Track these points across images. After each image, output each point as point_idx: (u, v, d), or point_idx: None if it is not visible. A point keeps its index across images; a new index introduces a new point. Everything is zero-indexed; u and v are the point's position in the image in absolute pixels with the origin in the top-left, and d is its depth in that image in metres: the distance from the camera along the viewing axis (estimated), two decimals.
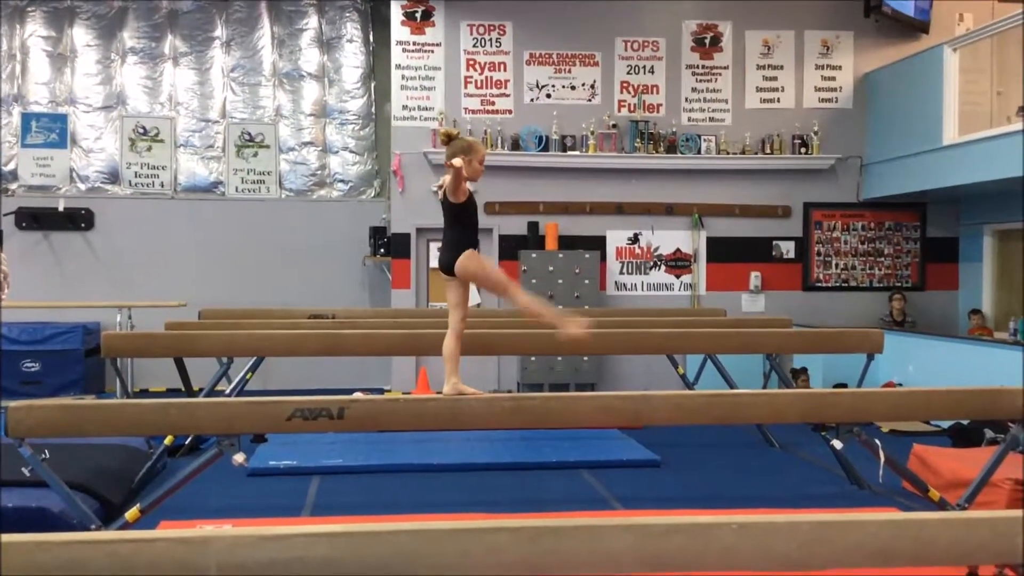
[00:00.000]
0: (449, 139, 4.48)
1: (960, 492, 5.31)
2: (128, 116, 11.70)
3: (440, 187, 4.57)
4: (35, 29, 11.55)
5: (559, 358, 10.45)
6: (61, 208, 11.31)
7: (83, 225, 11.41)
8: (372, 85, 12.06)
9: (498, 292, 4.40)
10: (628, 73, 11.35)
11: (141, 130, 11.69)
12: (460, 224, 4.43)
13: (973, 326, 10.70)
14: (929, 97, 10.22)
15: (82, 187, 11.60)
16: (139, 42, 11.71)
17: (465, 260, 4.34)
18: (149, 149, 11.70)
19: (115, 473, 6.11)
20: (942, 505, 5.23)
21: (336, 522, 2.88)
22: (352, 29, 12.00)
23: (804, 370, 9.85)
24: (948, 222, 11.67)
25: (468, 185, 4.46)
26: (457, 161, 4.26)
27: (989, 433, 7.65)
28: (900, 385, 9.16)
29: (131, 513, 4.62)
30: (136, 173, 11.68)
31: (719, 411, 4.76)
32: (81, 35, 11.64)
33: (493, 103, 11.18)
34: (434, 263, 11.21)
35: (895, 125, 10.95)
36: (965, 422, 7.99)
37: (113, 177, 11.67)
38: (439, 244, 11.10)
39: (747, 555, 2.79)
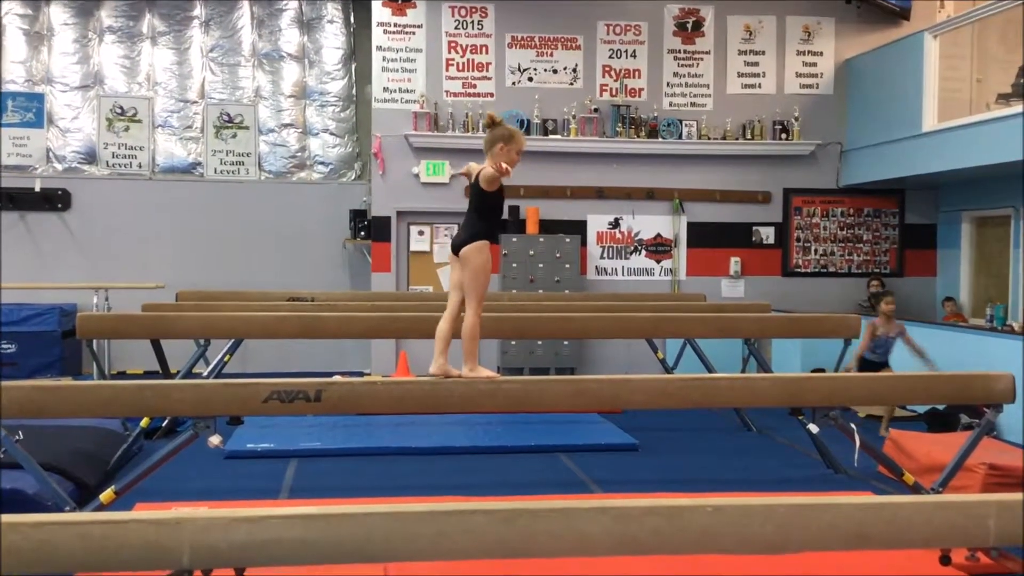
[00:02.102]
0: (493, 124, 4.45)
1: (935, 476, 5.35)
2: (106, 96, 11.57)
3: (465, 173, 4.52)
4: (11, 7, 11.39)
5: (539, 343, 10.46)
6: (37, 188, 11.19)
7: (60, 206, 11.29)
8: (353, 67, 11.97)
9: (466, 293, 4.33)
10: (610, 57, 11.33)
11: (119, 110, 11.57)
12: (485, 212, 4.39)
13: (947, 313, 10.78)
14: (909, 84, 10.26)
15: (59, 167, 11.48)
16: (117, 21, 11.57)
17: (473, 251, 4.29)
18: (127, 129, 11.59)
19: (90, 455, 6.07)
20: (916, 489, 5.27)
21: (313, 505, 2.87)
22: (333, 10, 11.90)
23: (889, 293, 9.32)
24: (926, 209, 11.73)
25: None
26: (507, 168, 4.22)
27: (965, 418, 7.72)
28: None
29: (106, 495, 4.60)
30: (113, 154, 11.56)
31: (697, 395, 4.77)
32: (58, 13, 11.49)
33: (474, 86, 11.13)
34: (415, 246, 11.20)
35: (875, 111, 10.98)
36: (941, 407, 8.06)
37: (90, 157, 11.55)
38: (419, 228, 11.15)
39: (723, 537, 2.80)
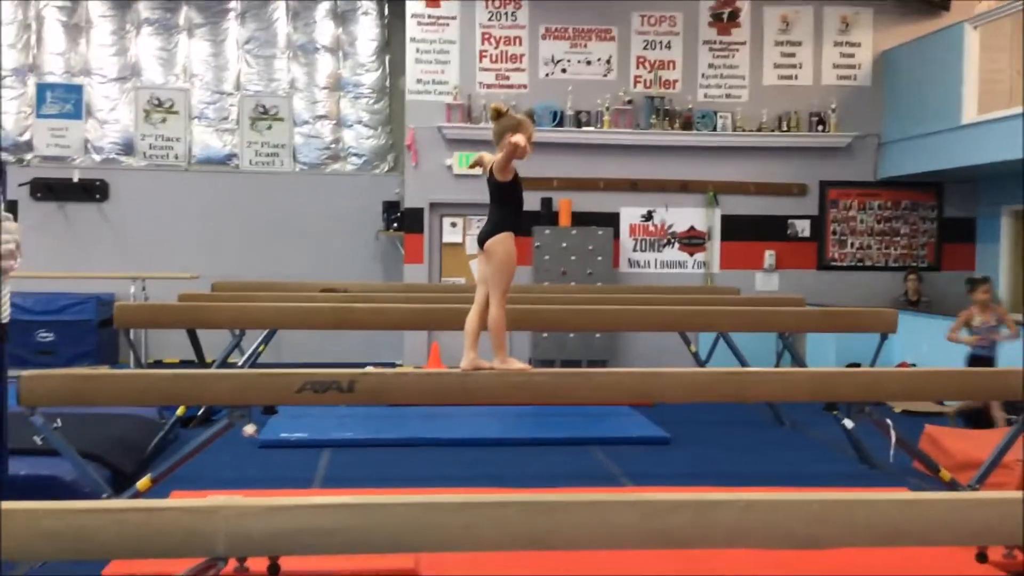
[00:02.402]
0: (499, 115, 4.40)
1: (972, 473, 5.29)
2: (143, 87, 11.69)
3: (477, 163, 4.49)
4: (51, 0, 11.53)
5: (571, 335, 10.44)
6: (76, 179, 11.33)
7: (97, 196, 11.43)
8: (387, 58, 12.01)
9: (491, 285, 4.31)
10: (644, 48, 11.26)
11: (156, 102, 11.68)
12: (505, 203, 4.36)
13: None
14: (948, 75, 10.11)
15: (97, 158, 11.62)
16: (154, 13, 11.68)
17: (498, 242, 4.25)
18: (164, 121, 11.70)
19: (127, 443, 6.15)
20: (953, 486, 5.22)
21: (346, 494, 2.89)
22: (367, 2, 11.94)
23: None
24: (965, 202, 11.57)
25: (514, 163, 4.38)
26: (519, 138, 4.14)
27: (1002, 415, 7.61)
28: (914, 365, 9.12)
29: (142, 483, 4.66)
30: (150, 145, 11.68)
31: (729, 388, 4.75)
32: (96, 6, 11.61)
33: (508, 78, 11.12)
34: (447, 238, 11.21)
35: (913, 103, 10.84)
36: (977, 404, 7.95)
37: (128, 148, 11.68)
38: (452, 219, 11.17)
39: (754, 532, 2.79)
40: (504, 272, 4.28)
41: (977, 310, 7.82)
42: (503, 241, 4.25)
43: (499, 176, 4.27)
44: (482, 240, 4.32)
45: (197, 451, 4.81)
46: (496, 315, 4.29)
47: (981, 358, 7.66)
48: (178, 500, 2.81)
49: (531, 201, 10.84)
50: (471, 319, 4.39)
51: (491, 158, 4.37)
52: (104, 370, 8.37)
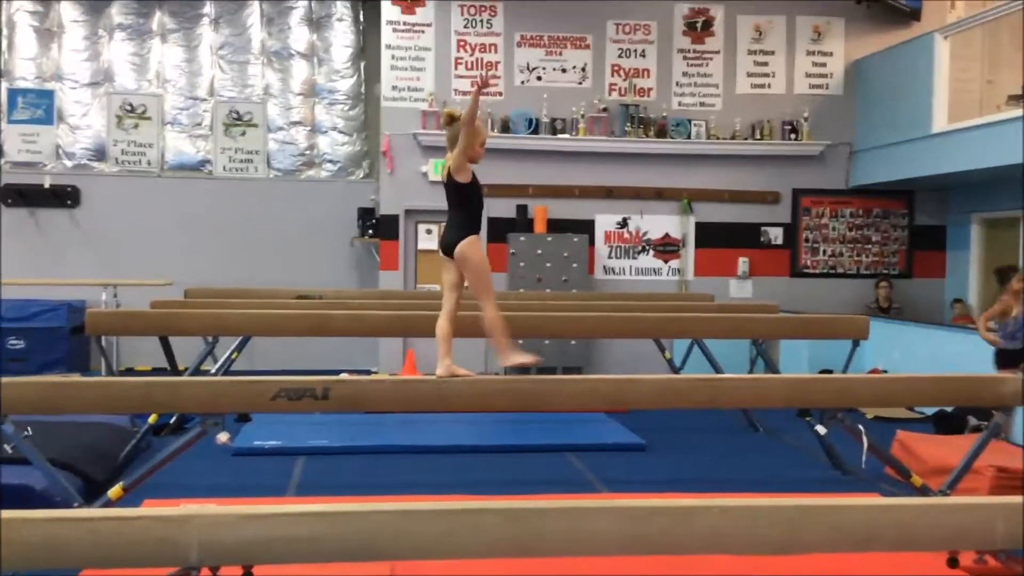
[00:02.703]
0: (452, 120, 4.42)
1: (943, 478, 5.33)
2: (115, 93, 11.61)
3: (451, 116, 4.44)
4: (22, 4, 11.44)
5: (546, 341, 10.43)
6: (47, 185, 11.23)
7: (69, 202, 11.33)
8: (362, 65, 11.99)
9: (476, 291, 4.34)
10: (619, 56, 11.32)
11: (128, 107, 11.60)
12: (464, 207, 4.36)
13: (956, 315, 10.74)
14: (919, 84, 10.23)
15: (68, 164, 11.52)
16: (127, 18, 11.61)
17: (467, 247, 4.27)
18: (136, 126, 11.62)
19: (99, 451, 6.09)
20: (924, 491, 5.26)
21: (322, 502, 2.88)
22: (342, 8, 11.92)
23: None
24: (936, 210, 11.70)
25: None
26: (480, 127, 4.18)
27: (972, 420, 7.69)
28: (885, 371, 9.20)
29: (114, 491, 4.61)
30: (123, 150, 11.60)
31: (704, 395, 4.76)
32: (68, 10, 11.53)
33: None
34: (423, 245, 11.19)
35: (885, 112, 10.95)
36: (949, 409, 8.04)
37: (100, 154, 11.59)
38: (427, 226, 11.15)
39: (731, 538, 2.80)
40: (483, 276, 4.31)
41: (1012, 300, 7.39)
42: (471, 246, 4.27)
43: (458, 177, 4.29)
44: (448, 247, 4.33)
45: (169, 459, 4.76)
46: (492, 316, 4.31)
47: (1012, 353, 7.26)
48: (150, 509, 2.78)
49: (506, 208, 10.87)
50: (442, 325, 4.40)
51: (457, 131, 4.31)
52: (75, 377, 8.29)
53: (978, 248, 11.25)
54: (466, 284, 4.43)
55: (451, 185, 4.34)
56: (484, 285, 4.32)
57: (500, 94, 11.08)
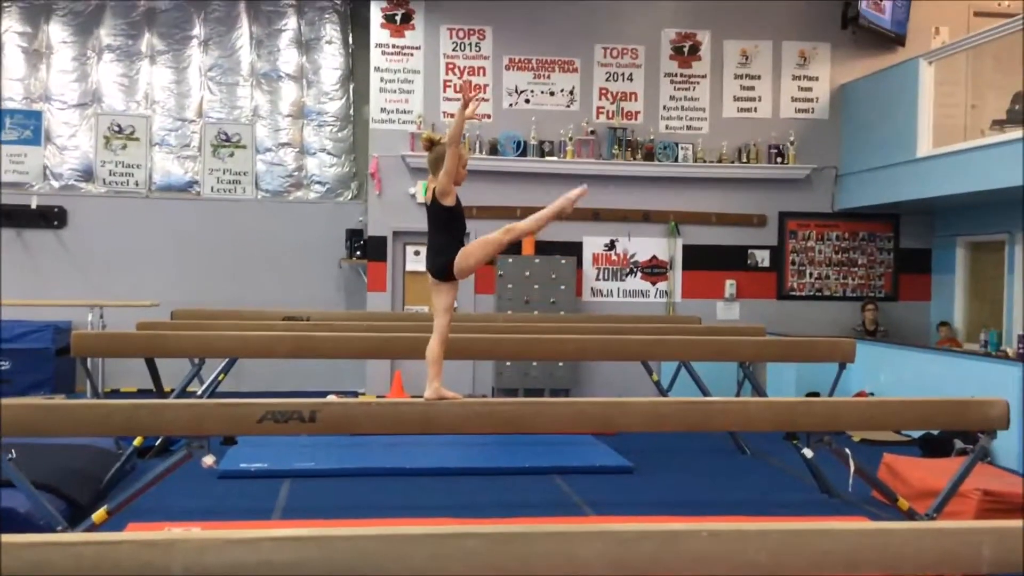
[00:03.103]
0: (431, 145, 4.44)
1: (930, 502, 5.35)
2: (103, 114, 11.60)
3: (429, 141, 4.49)
4: (10, 25, 11.44)
5: (534, 363, 10.45)
6: (34, 206, 11.20)
7: (56, 223, 11.30)
8: (351, 87, 12.03)
9: (506, 242, 4.41)
10: (607, 80, 11.38)
11: (116, 128, 11.60)
12: (448, 229, 4.40)
13: (942, 338, 10.80)
14: (904, 109, 10.31)
15: (56, 185, 11.49)
16: (116, 39, 11.62)
17: (463, 259, 4.33)
18: (124, 147, 11.61)
19: (83, 474, 6.05)
20: (911, 515, 5.27)
21: (306, 526, 2.86)
22: (331, 30, 11.97)
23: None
24: (921, 233, 11.77)
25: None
26: (463, 149, 4.24)
27: (959, 443, 7.71)
28: (872, 394, 9.22)
29: (98, 515, 4.58)
30: (111, 171, 11.58)
31: (691, 418, 4.78)
32: (57, 31, 11.54)
33: None
34: (411, 266, 11.19)
35: (870, 136, 11.04)
36: (935, 432, 8.06)
37: (87, 175, 11.57)
38: (416, 248, 11.15)
39: (717, 562, 2.79)
40: (490, 245, 4.42)
41: None
42: (466, 255, 4.37)
43: (444, 201, 4.31)
44: (439, 271, 4.35)
45: (155, 482, 4.74)
46: (437, 341, 4.35)
47: None
48: (134, 533, 2.76)
49: (494, 230, 10.85)
50: (432, 347, 4.41)
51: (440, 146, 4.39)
52: (60, 399, 8.25)
53: (963, 271, 11.33)
54: (456, 306, 4.47)
55: (436, 208, 4.37)
56: (499, 240, 4.45)
57: (488, 116, 11.12)
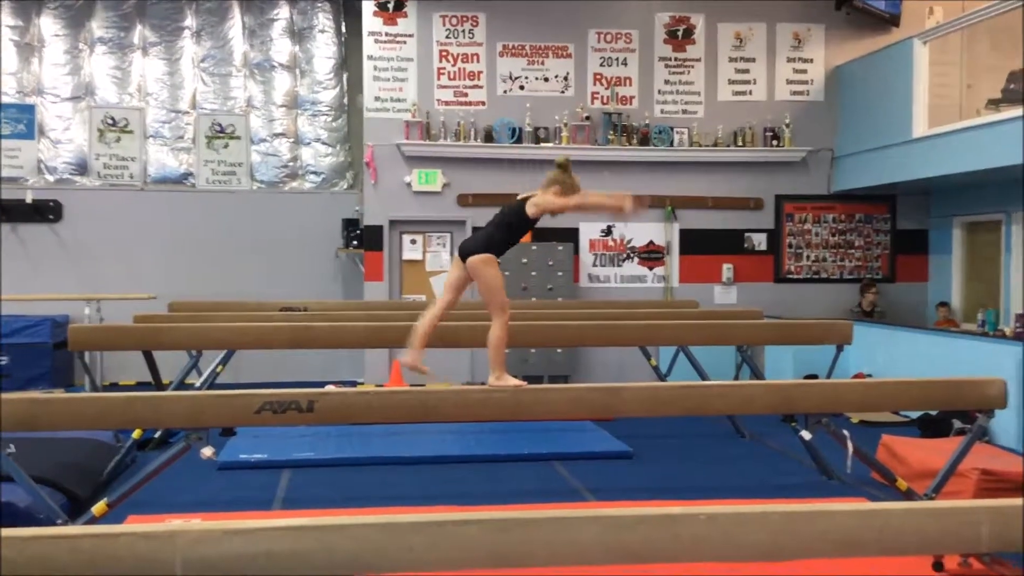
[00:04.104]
0: (563, 168, 4.49)
1: (928, 482, 5.36)
2: (97, 107, 11.56)
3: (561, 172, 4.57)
4: (2, 18, 11.38)
5: (532, 350, 10.45)
6: (29, 200, 11.17)
7: (51, 217, 11.27)
8: (344, 76, 11.99)
9: (488, 306, 4.50)
10: (601, 65, 11.35)
11: (110, 121, 11.56)
12: (511, 232, 4.47)
13: (940, 318, 10.80)
14: (899, 90, 10.29)
15: (50, 178, 11.46)
16: (108, 32, 11.57)
17: (480, 263, 4.39)
18: (118, 140, 11.57)
19: (83, 467, 6.05)
20: (909, 495, 5.28)
21: (306, 515, 2.86)
22: (324, 19, 11.92)
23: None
24: (918, 214, 11.77)
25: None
26: (629, 202, 4.39)
27: (957, 423, 7.73)
28: (870, 376, 9.24)
29: (98, 507, 4.58)
30: (105, 164, 11.55)
31: (690, 403, 4.78)
32: (49, 24, 11.49)
33: (466, 95, 11.15)
34: (407, 255, 11.18)
35: (866, 117, 11.02)
36: (934, 412, 8.07)
37: (82, 168, 11.54)
38: (412, 236, 11.15)
39: (716, 545, 2.80)
40: (494, 292, 4.44)
41: None
42: (487, 262, 4.39)
43: (530, 210, 4.35)
44: (465, 252, 4.40)
45: (154, 475, 4.75)
46: (496, 335, 4.39)
47: None
48: (133, 525, 2.76)
49: (490, 217, 10.85)
50: (424, 319, 4.46)
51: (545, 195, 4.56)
52: (59, 393, 8.25)
53: (960, 251, 11.32)
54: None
55: (516, 211, 4.42)
56: (495, 301, 4.46)
57: (483, 103, 11.10)
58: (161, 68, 11.68)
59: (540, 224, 10.98)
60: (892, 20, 11.44)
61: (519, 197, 4.60)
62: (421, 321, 4.45)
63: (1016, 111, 8.68)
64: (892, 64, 10.49)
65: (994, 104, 9.53)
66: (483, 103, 11.12)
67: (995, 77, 9.76)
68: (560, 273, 10.79)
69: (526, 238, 10.65)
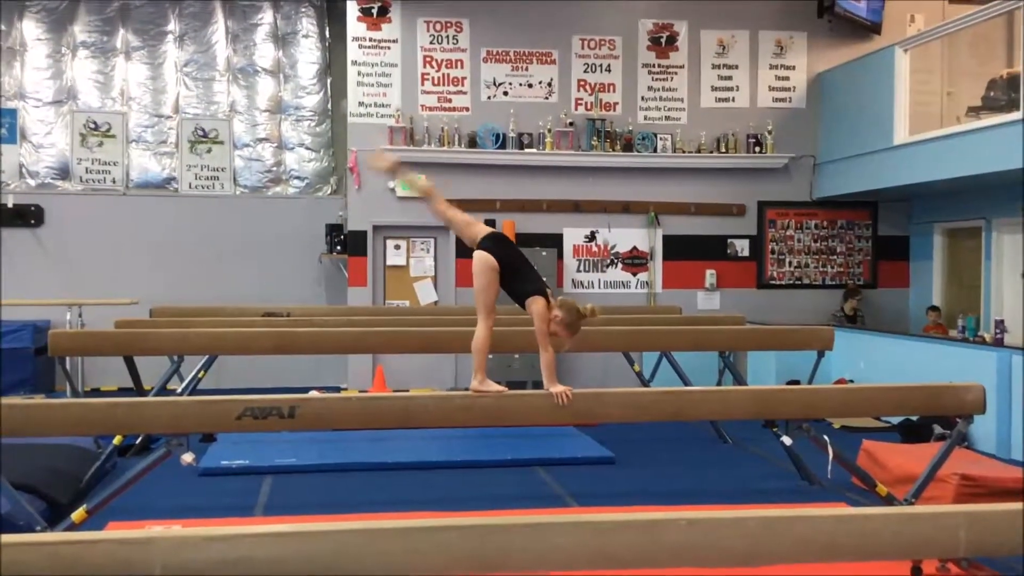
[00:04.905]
0: (587, 315, 4.56)
1: (909, 487, 5.39)
2: (79, 111, 11.51)
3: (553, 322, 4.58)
4: None
5: (516, 356, 10.44)
6: (10, 204, 11.10)
7: (33, 221, 11.20)
8: (328, 81, 11.97)
9: (476, 307, 4.48)
10: (585, 71, 11.38)
11: (92, 125, 11.51)
12: (522, 270, 4.58)
13: (930, 323, 10.83)
14: (881, 97, 10.36)
15: (32, 183, 11.40)
16: (90, 36, 11.52)
17: (481, 260, 4.42)
18: (100, 144, 11.52)
19: (62, 473, 6.01)
20: (889, 500, 5.31)
21: (287, 522, 2.86)
22: (308, 24, 11.91)
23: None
24: (899, 220, 11.84)
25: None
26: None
27: (938, 429, 7.78)
28: (852, 381, 9.28)
29: (77, 514, 4.56)
30: (87, 169, 11.50)
31: (671, 408, 4.80)
32: (31, 28, 11.43)
33: (450, 100, 11.15)
34: (391, 260, 11.18)
35: (847, 124, 11.08)
36: (914, 418, 8.12)
37: (64, 173, 11.48)
38: (396, 242, 11.13)
39: (697, 550, 2.82)
40: (478, 293, 4.40)
41: None
42: (481, 259, 4.45)
43: (530, 306, 4.52)
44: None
45: (134, 481, 4.72)
46: (478, 336, 4.38)
47: None
48: (113, 532, 2.76)
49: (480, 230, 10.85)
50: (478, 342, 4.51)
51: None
52: (39, 399, 8.19)
53: (941, 257, 11.40)
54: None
55: (516, 258, 4.61)
56: (481, 304, 4.43)
57: (467, 109, 11.11)
58: (144, 72, 11.64)
59: (524, 229, 11.06)
60: (874, 28, 11.51)
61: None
62: (475, 346, 4.48)
63: (996, 119, 8.76)
64: (873, 71, 10.56)
65: (974, 111, 9.61)
66: (467, 109, 11.13)
67: (975, 85, 9.85)
68: (544, 278, 10.74)
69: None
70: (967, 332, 9.67)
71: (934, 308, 11.01)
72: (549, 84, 11.32)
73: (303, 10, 11.89)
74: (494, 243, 4.54)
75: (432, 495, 6.27)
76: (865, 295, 11.53)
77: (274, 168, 11.87)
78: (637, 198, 11.39)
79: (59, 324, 10.07)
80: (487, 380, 4.51)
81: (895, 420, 8.53)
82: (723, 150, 11.45)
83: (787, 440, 5.16)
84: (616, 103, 11.42)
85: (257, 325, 7.09)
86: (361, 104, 11.04)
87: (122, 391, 9.77)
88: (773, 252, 11.68)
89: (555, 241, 11.20)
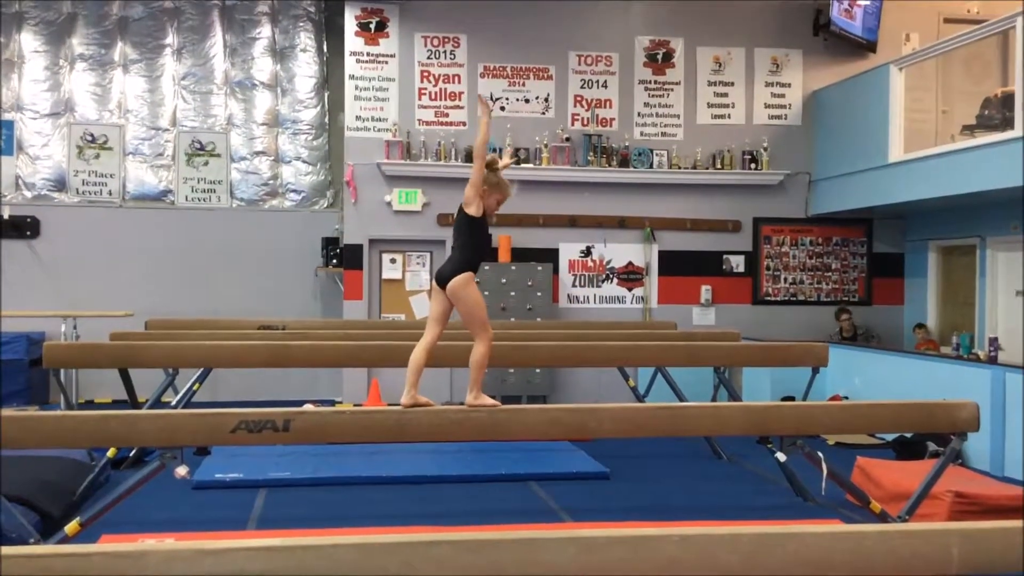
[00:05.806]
0: (492, 167, 4.39)
1: (902, 504, 5.39)
2: (76, 123, 11.53)
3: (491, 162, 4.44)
4: None
5: (511, 370, 10.46)
6: (6, 216, 11.10)
7: (28, 233, 11.21)
8: (326, 95, 12.00)
9: (469, 328, 4.43)
10: (581, 87, 11.42)
11: (89, 137, 11.52)
12: (471, 242, 4.38)
13: (919, 340, 10.87)
14: (875, 115, 10.41)
15: (28, 195, 11.40)
16: (88, 48, 11.55)
17: (459, 285, 4.31)
18: (97, 157, 11.53)
19: (56, 486, 6.00)
20: (883, 517, 5.31)
21: (281, 536, 2.85)
22: (306, 39, 11.94)
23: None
24: (894, 238, 11.88)
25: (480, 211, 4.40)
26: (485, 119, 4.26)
27: (932, 446, 7.78)
28: (846, 398, 9.28)
29: (71, 527, 4.54)
30: (84, 181, 11.50)
31: (666, 424, 4.80)
32: (29, 40, 11.45)
33: (447, 115, 11.19)
34: (387, 274, 11.18)
35: (843, 142, 11.13)
36: (909, 435, 8.13)
37: (60, 185, 11.48)
38: (392, 256, 11.15)
39: (689, 567, 2.81)
40: (475, 314, 4.38)
41: None
42: (463, 284, 4.32)
43: (467, 209, 4.34)
44: (442, 279, 4.36)
45: (128, 493, 4.71)
46: (480, 352, 4.36)
47: None
48: (106, 545, 2.75)
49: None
50: (416, 355, 4.42)
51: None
52: (33, 411, 8.18)
53: (935, 275, 11.43)
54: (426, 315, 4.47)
55: (460, 219, 4.39)
56: (477, 323, 4.41)
57: (463, 124, 11.15)
58: (141, 85, 11.66)
59: (520, 244, 11.06)
60: (869, 46, 11.58)
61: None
62: (411, 360, 4.43)
63: (990, 137, 8.80)
64: (869, 89, 10.61)
65: (969, 130, 9.65)
66: (464, 123, 11.16)
67: (970, 103, 9.90)
68: (539, 293, 10.82)
69: (505, 257, 10.77)
70: (961, 350, 9.69)
71: (921, 325, 11.05)
72: (546, 99, 11.36)
73: (301, 24, 11.93)
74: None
75: (426, 509, 6.26)
76: (858, 312, 11.55)
77: (271, 181, 11.88)
78: (633, 213, 11.42)
79: (54, 336, 10.05)
80: (482, 395, 4.51)
81: (889, 437, 8.54)
82: (719, 166, 11.49)
83: (781, 456, 5.16)
84: (612, 119, 11.46)
85: (252, 338, 7.08)
86: (358, 118, 11.07)
87: (116, 403, 9.75)
88: (768, 268, 11.70)
89: (551, 256, 11.22)
